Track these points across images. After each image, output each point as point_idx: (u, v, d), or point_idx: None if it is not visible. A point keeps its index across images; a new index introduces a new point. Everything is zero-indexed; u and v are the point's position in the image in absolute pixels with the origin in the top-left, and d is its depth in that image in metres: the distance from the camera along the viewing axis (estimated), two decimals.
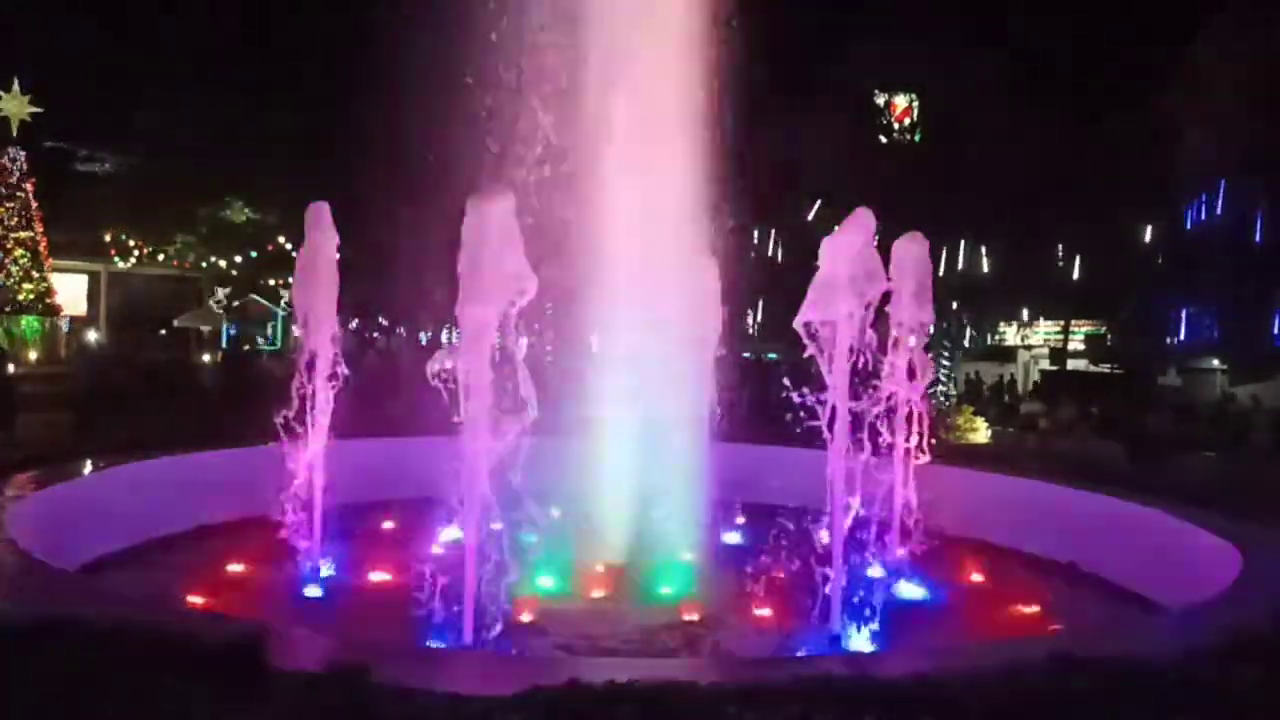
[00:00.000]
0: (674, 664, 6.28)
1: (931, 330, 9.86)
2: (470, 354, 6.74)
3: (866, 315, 7.21)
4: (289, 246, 41.29)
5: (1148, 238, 36.29)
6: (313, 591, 8.61)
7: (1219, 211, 33.80)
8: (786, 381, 7.16)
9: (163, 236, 44.50)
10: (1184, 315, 35.78)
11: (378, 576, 9.03)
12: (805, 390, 7.13)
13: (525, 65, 10.22)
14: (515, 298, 6.77)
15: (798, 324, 7.19)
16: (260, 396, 8.91)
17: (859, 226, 7.33)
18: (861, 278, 7.16)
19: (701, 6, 10.19)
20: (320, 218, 9.02)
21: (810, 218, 35.94)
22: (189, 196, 41.54)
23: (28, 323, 34.68)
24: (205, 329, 44.43)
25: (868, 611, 7.25)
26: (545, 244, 9.00)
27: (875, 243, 7.46)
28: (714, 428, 10.62)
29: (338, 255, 9.12)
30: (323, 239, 9.01)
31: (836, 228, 7.45)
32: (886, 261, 8.74)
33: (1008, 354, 40.55)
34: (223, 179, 41.01)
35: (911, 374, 9.58)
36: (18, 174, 34.56)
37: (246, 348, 40.38)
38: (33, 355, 33.04)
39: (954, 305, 31.64)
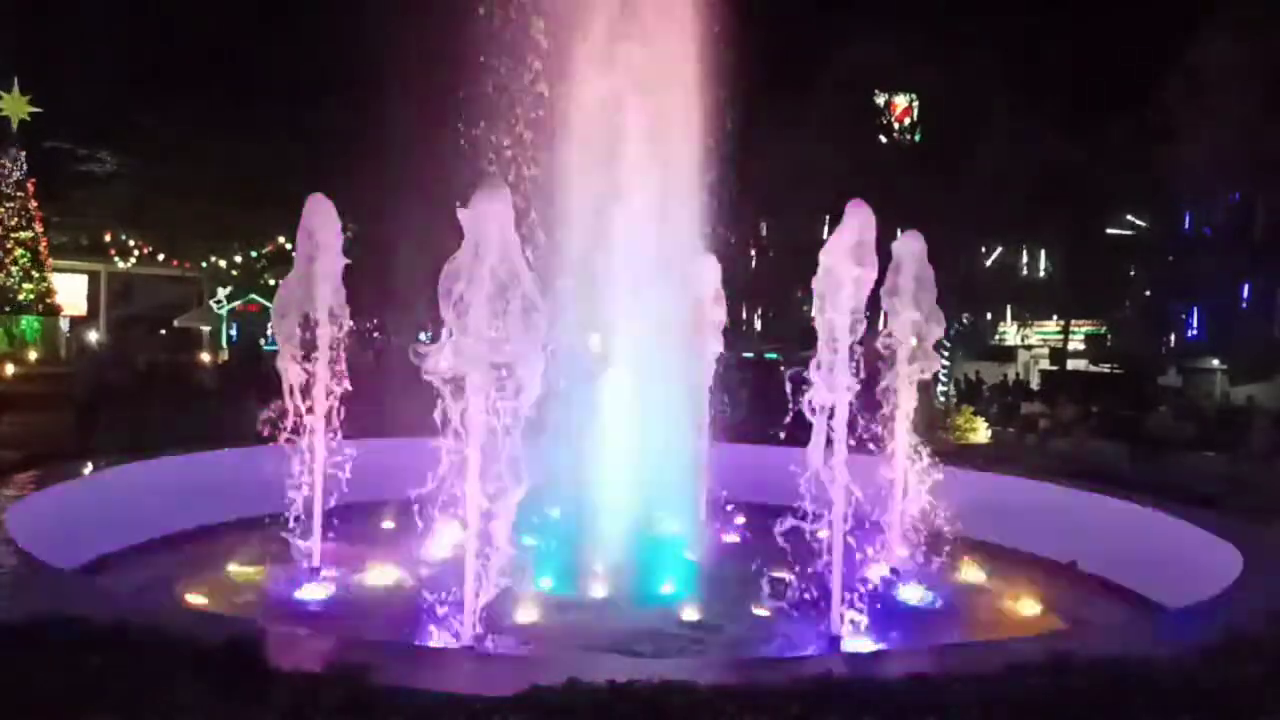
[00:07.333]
0: (674, 664, 6.27)
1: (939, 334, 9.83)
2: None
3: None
4: (289, 246, 41.15)
5: (1147, 238, 36.26)
6: (313, 591, 8.61)
7: (1219, 211, 33.77)
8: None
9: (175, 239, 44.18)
10: (1184, 315, 35.73)
11: (377, 576, 9.03)
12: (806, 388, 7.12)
13: (525, 63, 10.22)
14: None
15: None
16: (265, 397, 8.92)
17: (854, 224, 7.32)
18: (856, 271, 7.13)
19: (702, 5, 10.19)
20: (319, 210, 8.95)
21: (810, 217, 35.97)
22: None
23: (28, 323, 34.69)
24: (205, 329, 44.40)
25: (867, 611, 7.25)
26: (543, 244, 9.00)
27: (873, 238, 7.43)
28: (714, 428, 10.61)
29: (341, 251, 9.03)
30: (324, 231, 8.93)
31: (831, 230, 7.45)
32: (886, 262, 8.76)
33: (1008, 354, 40.51)
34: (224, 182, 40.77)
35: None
36: (18, 174, 34.57)
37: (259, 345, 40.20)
38: (33, 355, 33.05)
39: (953, 305, 31.58)
